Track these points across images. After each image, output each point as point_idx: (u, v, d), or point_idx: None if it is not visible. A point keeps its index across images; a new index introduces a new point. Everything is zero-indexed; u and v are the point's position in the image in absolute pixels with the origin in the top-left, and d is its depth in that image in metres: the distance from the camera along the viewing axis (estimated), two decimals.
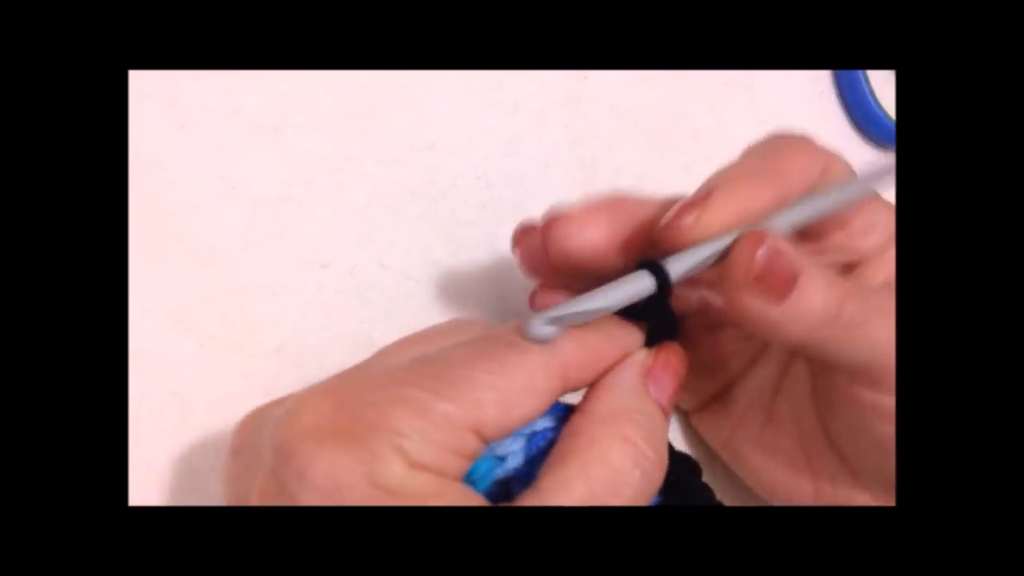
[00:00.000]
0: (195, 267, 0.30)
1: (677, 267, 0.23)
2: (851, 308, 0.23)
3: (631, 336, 0.25)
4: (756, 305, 0.23)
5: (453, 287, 0.33)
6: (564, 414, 0.23)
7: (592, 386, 0.23)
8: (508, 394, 0.21)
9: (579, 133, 0.37)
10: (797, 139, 0.27)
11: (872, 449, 0.26)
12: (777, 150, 0.26)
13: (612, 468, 0.21)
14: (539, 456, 0.22)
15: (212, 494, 0.29)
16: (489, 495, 0.22)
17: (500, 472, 0.22)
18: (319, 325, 0.31)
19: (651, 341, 0.25)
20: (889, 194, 0.28)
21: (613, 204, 0.26)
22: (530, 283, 0.29)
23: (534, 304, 0.28)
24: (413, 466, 0.20)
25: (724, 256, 0.23)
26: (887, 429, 0.25)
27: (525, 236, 0.27)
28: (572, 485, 0.21)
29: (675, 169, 0.38)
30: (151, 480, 0.28)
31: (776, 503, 0.31)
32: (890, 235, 0.27)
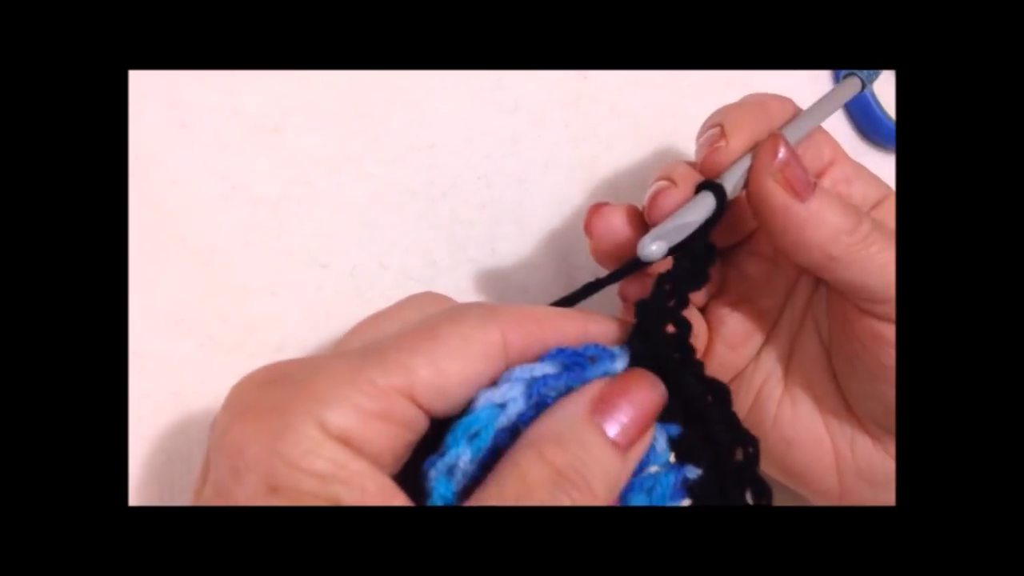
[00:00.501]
0: (195, 267, 0.30)
1: (729, 182, 0.27)
2: (867, 227, 0.26)
3: (572, 321, 0.25)
4: (782, 198, 0.26)
5: (453, 287, 0.33)
6: (570, 360, 0.23)
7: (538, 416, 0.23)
8: (440, 357, 0.21)
9: (579, 133, 0.37)
10: (768, 94, 0.31)
11: (881, 382, 0.28)
12: (751, 98, 0.30)
13: (526, 485, 0.21)
14: (545, 401, 0.23)
15: None
16: (496, 443, 0.22)
17: (504, 420, 0.22)
18: (319, 325, 0.31)
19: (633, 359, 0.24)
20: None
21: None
22: (532, 283, 0.29)
23: (592, 226, 0.28)
24: (331, 435, 0.20)
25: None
26: (889, 355, 0.27)
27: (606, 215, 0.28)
28: (486, 500, 0.20)
29: None
30: (151, 480, 0.28)
31: (797, 483, 0.31)
32: (877, 192, 0.30)
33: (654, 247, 0.25)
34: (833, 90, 0.32)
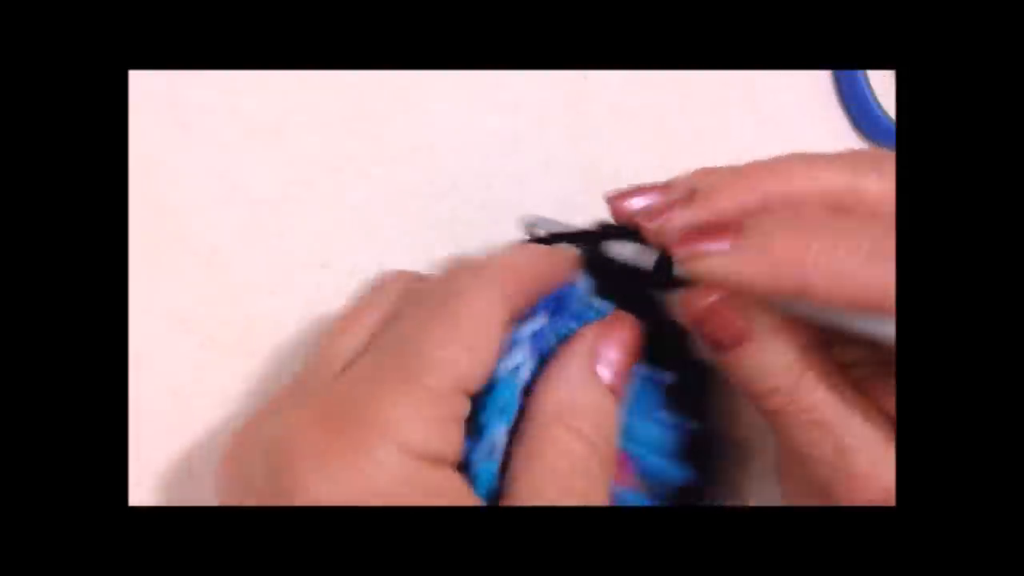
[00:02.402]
0: (195, 267, 0.30)
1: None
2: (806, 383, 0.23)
3: (561, 257, 0.26)
4: (705, 348, 0.24)
5: None
6: (553, 305, 0.24)
7: (543, 375, 0.24)
8: (472, 341, 0.22)
9: (579, 133, 0.37)
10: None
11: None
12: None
13: (572, 459, 0.22)
14: (544, 352, 0.24)
15: (212, 494, 0.29)
16: (516, 410, 0.23)
17: (521, 382, 0.23)
18: (319, 325, 0.31)
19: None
20: None
21: None
22: None
23: (617, 206, 0.27)
24: (415, 455, 0.20)
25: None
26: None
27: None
28: (545, 486, 0.21)
29: (675, 169, 0.38)
30: (151, 480, 0.28)
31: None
32: (844, 179, 0.27)
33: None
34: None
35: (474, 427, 0.22)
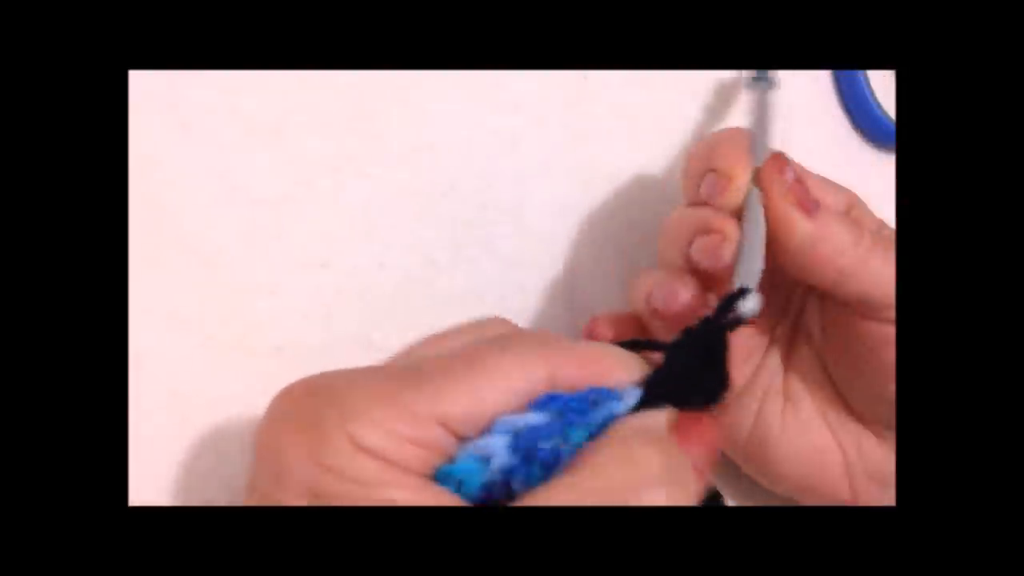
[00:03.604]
0: (195, 267, 0.30)
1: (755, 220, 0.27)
2: (868, 239, 0.27)
3: (628, 361, 0.24)
4: (794, 214, 0.27)
5: (453, 287, 0.33)
6: (562, 408, 0.22)
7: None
8: (480, 388, 0.21)
9: (579, 133, 0.37)
10: (715, 133, 0.31)
11: (882, 377, 0.28)
12: (714, 137, 0.31)
13: (637, 467, 0.21)
14: (536, 453, 0.21)
15: (212, 494, 0.29)
16: (489, 494, 0.21)
17: (487, 475, 0.21)
18: (319, 325, 0.31)
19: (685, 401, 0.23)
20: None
21: None
22: (531, 283, 0.29)
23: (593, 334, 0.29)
24: (360, 450, 0.20)
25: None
26: (893, 355, 0.28)
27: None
28: (600, 472, 0.20)
29: (675, 169, 0.38)
30: (151, 480, 0.28)
31: (809, 496, 0.31)
32: (846, 199, 0.30)
33: (751, 303, 0.25)
34: (756, 102, 0.33)
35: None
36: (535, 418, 0.22)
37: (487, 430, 0.22)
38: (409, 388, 0.21)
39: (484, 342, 0.23)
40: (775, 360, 0.32)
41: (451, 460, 0.21)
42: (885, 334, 0.28)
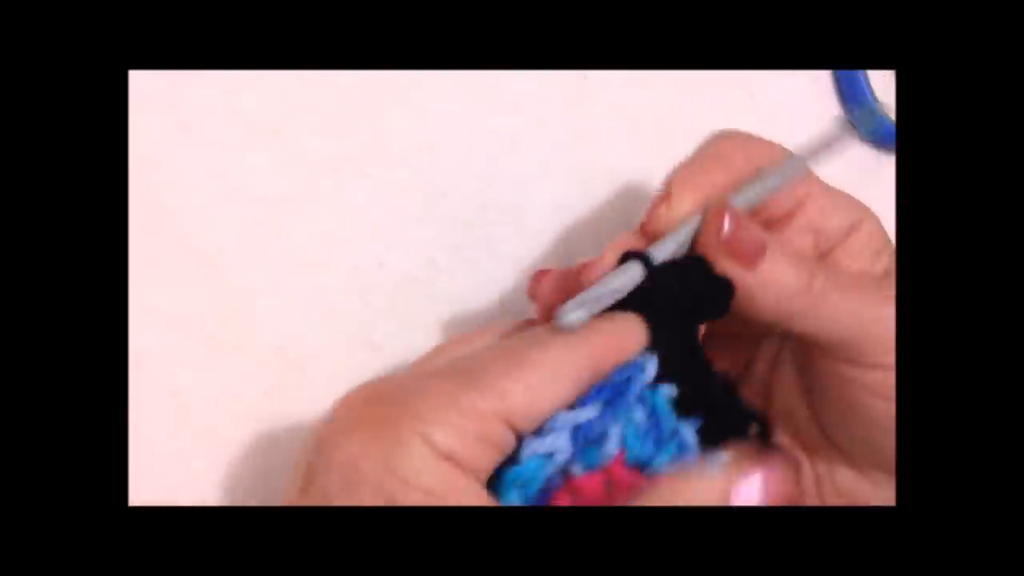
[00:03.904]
0: (195, 267, 0.30)
1: (659, 251, 0.26)
2: (821, 282, 0.26)
3: (633, 324, 0.25)
4: (733, 270, 0.25)
5: (453, 287, 0.33)
6: (609, 395, 0.24)
7: None
8: (534, 384, 0.22)
9: (579, 133, 0.37)
10: (737, 133, 0.29)
11: (859, 424, 0.27)
12: (719, 142, 0.29)
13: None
14: (594, 446, 0.23)
15: (212, 494, 0.29)
16: (548, 487, 0.23)
17: (551, 467, 0.23)
18: (319, 325, 0.31)
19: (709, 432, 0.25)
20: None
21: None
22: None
23: (536, 292, 0.28)
24: (439, 455, 0.21)
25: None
26: (870, 401, 0.26)
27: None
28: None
29: None
30: (151, 480, 0.28)
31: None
32: (852, 218, 0.29)
33: (573, 316, 0.24)
34: (792, 160, 0.30)
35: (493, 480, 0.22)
36: (589, 411, 0.23)
37: (545, 427, 0.23)
38: (468, 389, 0.22)
39: (522, 340, 0.23)
40: (760, 378, 0.31)
41: (512, 459, 0.23)
42: (860, 379, 0.26)
